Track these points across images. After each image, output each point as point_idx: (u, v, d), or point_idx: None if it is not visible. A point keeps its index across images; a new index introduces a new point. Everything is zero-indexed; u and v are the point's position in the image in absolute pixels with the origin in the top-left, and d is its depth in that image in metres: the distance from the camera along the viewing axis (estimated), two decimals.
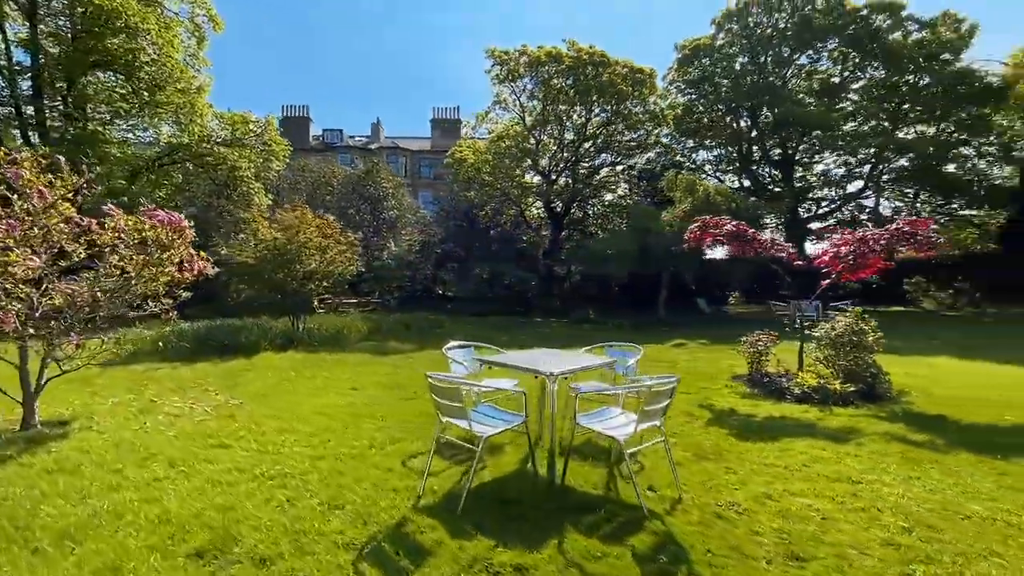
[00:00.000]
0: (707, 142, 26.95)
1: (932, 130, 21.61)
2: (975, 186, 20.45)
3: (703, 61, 26.96)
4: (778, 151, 26.35)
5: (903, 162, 22.09)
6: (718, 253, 18.60)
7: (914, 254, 7.22)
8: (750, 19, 25.64)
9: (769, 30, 25.48)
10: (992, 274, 20.18)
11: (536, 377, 3.69)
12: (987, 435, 4.81)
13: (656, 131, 24.21)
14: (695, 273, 17.84)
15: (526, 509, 3.19)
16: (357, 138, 43.20)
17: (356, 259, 12.82)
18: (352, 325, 12.35)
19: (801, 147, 25.50)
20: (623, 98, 22.07)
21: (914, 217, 6.48)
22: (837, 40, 24.13)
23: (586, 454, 4.12)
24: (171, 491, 3.40)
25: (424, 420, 5.24)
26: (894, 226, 6.41)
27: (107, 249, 5.00)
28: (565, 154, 25.00)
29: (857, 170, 23.80)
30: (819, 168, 25.76)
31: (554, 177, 25.41)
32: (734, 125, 27.21)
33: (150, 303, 5.48)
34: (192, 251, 5.56)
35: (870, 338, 6.70)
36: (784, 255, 7.03)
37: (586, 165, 25.77)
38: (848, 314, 7.01)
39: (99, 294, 4.69)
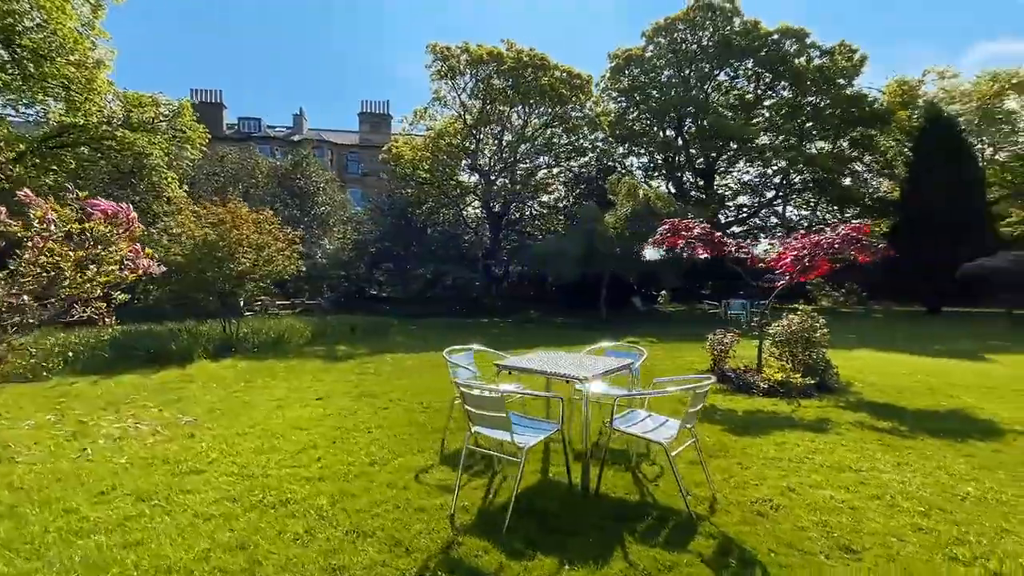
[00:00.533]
0: (637, 148, 28.21)
1: (831, 147, 24.18)
2: (865, 197, 23.18)
3: (634, 71, 28.24)
4: (701, 160, 28.21)
5: (807, 174, 24.56)
6: (651, 255, 19.56)
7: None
8: (676, 35, 27.17)
9: (694, 46, 27.17)
10: (875, 276, 23.00)
11: (567, 382, 3.55)
12: (935, 420, 5.37)
13: (593, 136, 24.90)
14: (634, 274, 18.58)
15: (571, 521, 3.04)
16: (278, 129, 40.36)
17: (297, 258, 11.89)
18: (294, 329, 11.44)
19: (722, 157, 27.50)
20: (563, 102, 22.49)
21: (858, 223, 7.04)
22: (752, 61, 26.28)
23: (599, 459, 4.05)
24: (155, 531, 2.86)
25: (416, 431, 4.92)
26: (842, 232, 6.99)
27: (29, 243, 4.18)
28: (504, 155, 25.04)
29: (770, 180, 26.08)
30: (737, 177, 27.91)
31: (493, 177, 25.34)
32: (661, 133, 28.75)
33: (78, 307, 4.70)
34: (138, 247, 4.81)
35: (818, 334, 7.30)
36: (747, 256, 7.45)
37: (524, 166, 25.96)
38: (800, 312, 7.58)
39: (26, 298, 3.88)
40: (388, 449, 4.33)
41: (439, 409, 5.74)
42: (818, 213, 26.05)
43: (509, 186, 25.39)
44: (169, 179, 16.53)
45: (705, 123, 26.43)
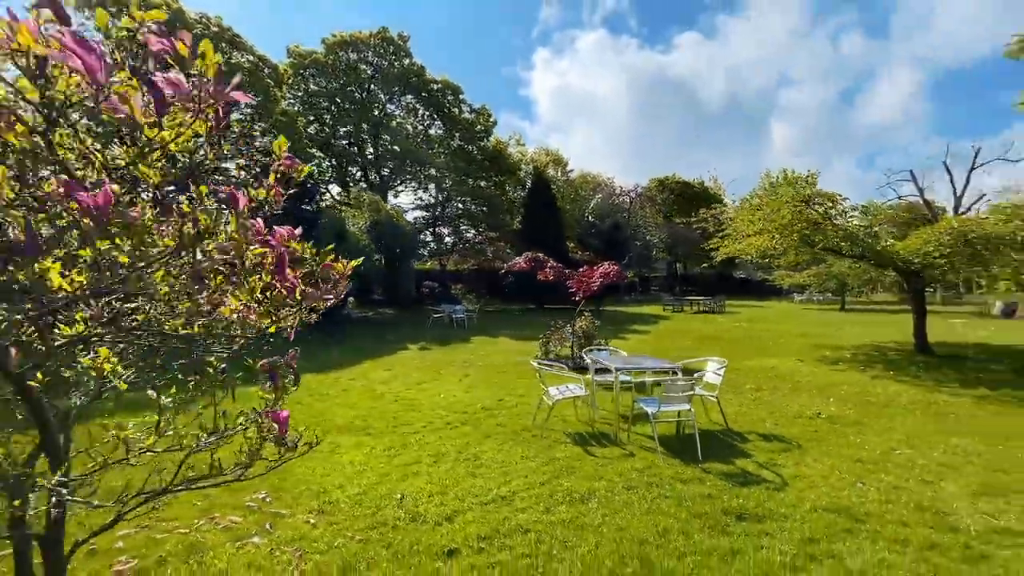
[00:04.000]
0: (319, 152, 27.95)
1: (480, 183, 31.36)
2: (503, 227, 31.41)
3: (310, 73, 27.83)
4: (375, 175, 30.56)
5: (461, 204, 31.00)
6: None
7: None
8: (359, 53, 28.58)
9: (371, 69, 29.26)
10: (495, 282, 31.67)
11: (672, 372, 5.82)
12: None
13: (282, 134, 23.18)
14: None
15: (707, 446, 5.46)
16: None
17: None
18: None
19: (395, 175, 30.73)
20: (265, 92, 20.28)
21: (613, 262, 11.53)
22: (419, 99, 30.72)
23: (639, 418, 6.41)
24: None
25: (498, 442, 5.80)
26: (613, 267, 11.31)
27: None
28: None
29: (437, 201, 31.26)
30: (411, 195, 31.91)
31: None
32: (334, 143, 29.45)
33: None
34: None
35: (595, 329, 11.52)
36: (571, 281, 10.80)
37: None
38: (584, 317, 11.59)
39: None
40: (533, 456, 5.26)
41: (452, 421, 6.44)
42: (469, 233, 33.07)
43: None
44: None
45: (382, 142, 29.12)
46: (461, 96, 30.91)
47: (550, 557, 3.27)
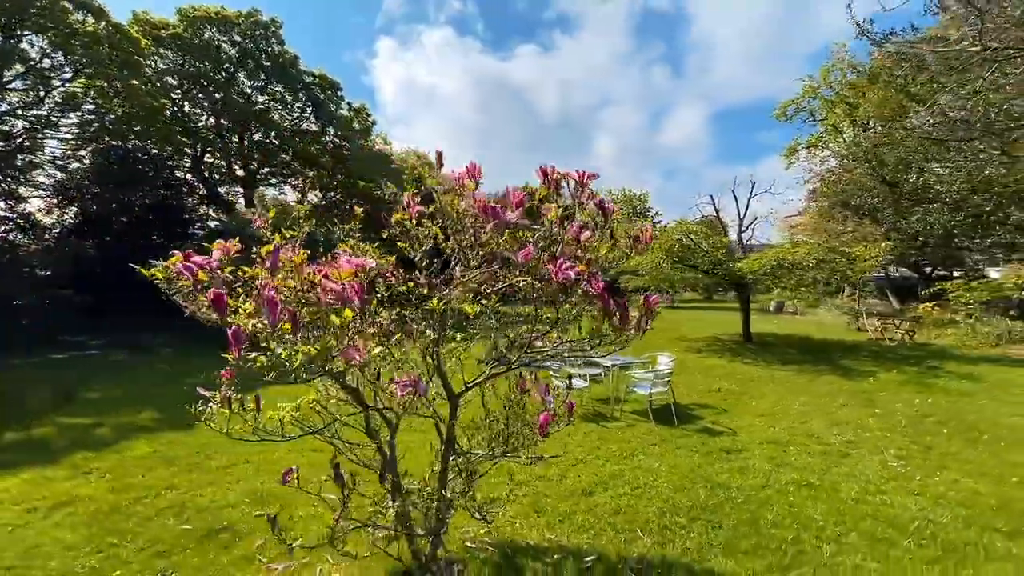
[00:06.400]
0: (199, 146, 24.99)
1: (358, 182, 30.91)
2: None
3: (163, 46, 24.61)
4: (240, 167, 28.03)
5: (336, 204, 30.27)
6: None
7: None
8: (219, 32, 26.02)
9: (236, 52, 26.82)
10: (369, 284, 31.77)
11: (622, 368, 8.09)
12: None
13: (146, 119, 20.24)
14: None
15: (680, 413, 7.85)
16: None
17: None
18: None
19: (264, 168, 28.62)
20: (131, 67, 17.70)
21: None
22: (290, 90, 29.02)
23: (624, 399, 8.58)
24: None
25: None
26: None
27: None
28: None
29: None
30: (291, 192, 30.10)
31: None
32: (189, 127, 26.36)
33: None
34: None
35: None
36: None
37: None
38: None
39: None
40: (572, 433, 7.03)
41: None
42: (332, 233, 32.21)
43: None
44: None
45: (253, 130, 27.06)
46: (340, 92, 30.11)
47: (646, 486, 5.16)
